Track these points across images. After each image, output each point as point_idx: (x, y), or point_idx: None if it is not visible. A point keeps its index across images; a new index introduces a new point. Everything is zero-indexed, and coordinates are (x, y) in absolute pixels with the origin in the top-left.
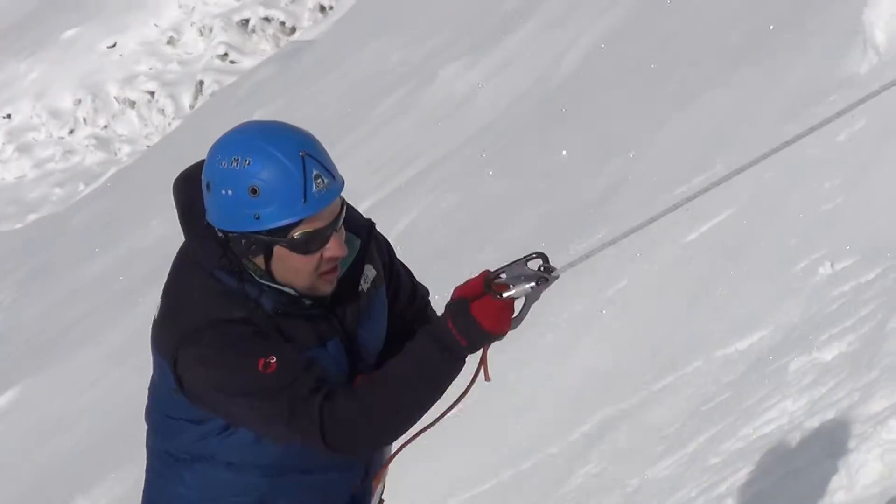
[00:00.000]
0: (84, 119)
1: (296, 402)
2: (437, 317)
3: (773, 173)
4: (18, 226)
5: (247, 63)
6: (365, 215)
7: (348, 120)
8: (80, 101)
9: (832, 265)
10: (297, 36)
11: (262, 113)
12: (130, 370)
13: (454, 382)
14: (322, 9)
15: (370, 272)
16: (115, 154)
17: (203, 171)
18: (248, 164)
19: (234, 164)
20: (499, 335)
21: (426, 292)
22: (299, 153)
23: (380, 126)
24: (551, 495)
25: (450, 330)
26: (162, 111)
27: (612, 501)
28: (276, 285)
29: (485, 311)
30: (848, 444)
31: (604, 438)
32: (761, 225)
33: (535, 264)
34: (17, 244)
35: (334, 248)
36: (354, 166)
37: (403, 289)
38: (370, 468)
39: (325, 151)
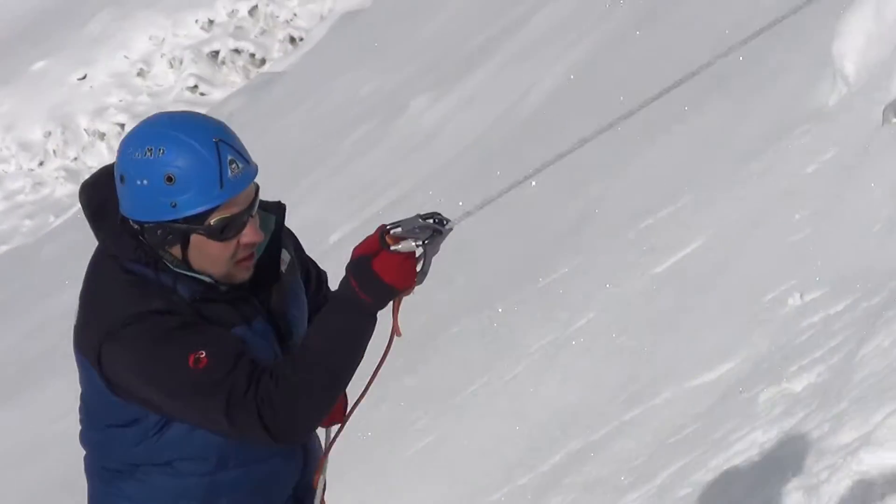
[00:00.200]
0: (54, 151)
1: (232, 397)
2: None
3: (742, 205)
4: None
5: (217, 95)
6: (333, 245)
7: (319, 151)
8: (49, 133)
9: (801, 296)
10: (267, 68)
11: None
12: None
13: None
14: (292, 40)
15: (286, 256)
16: None
17: (116, 165)
18: (163, 153)
19: (149, 153)
20: (404, 289)
21: (326, 277)
22: (213, 139)
23: (350, 157)
24: None
25: (354, 289)
26: None
27: None
28: (192, 273)
29: (385, 265)
30: (819, 475)
31: (572, 470)
32: (730, 256)
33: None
34: None
35: (250, 233)
36: (325, 197)
37: (312, 276)
38: (308, 459)
39: (237, 138)
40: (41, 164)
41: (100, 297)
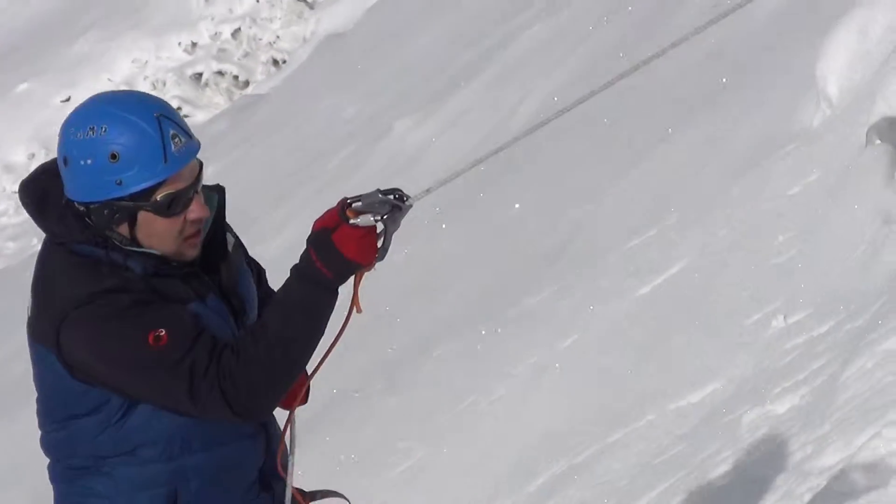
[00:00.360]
0: None
1: (194, 374)
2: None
3: (726, 226)
4: None
5: (200, 117)
6: None
7: (303, 173)
8: (33, 155)
9: (785, 318)
10: (250, 90)
11: (217, 167)
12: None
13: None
14: (276, 63)
15: (230, 238)
16: None
17: (58, 147)
18: (105, 131)
19: (91, 133)
20: (363, 264)
21: (265, 273)
22: (154, 114)
23: (334, 179)
24: None
25: (314, 263)
26: None
27: None
28: (142, 249)
29: (345, 239)
30: (802, 497)
31: (557, 492)
32: (714, 278)
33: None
34: None
35: (197, 209)
36: (310, 219)
37: (254, 270)
38: (270, 442)
39: (178, 114)
40: None
41: (51, 284)
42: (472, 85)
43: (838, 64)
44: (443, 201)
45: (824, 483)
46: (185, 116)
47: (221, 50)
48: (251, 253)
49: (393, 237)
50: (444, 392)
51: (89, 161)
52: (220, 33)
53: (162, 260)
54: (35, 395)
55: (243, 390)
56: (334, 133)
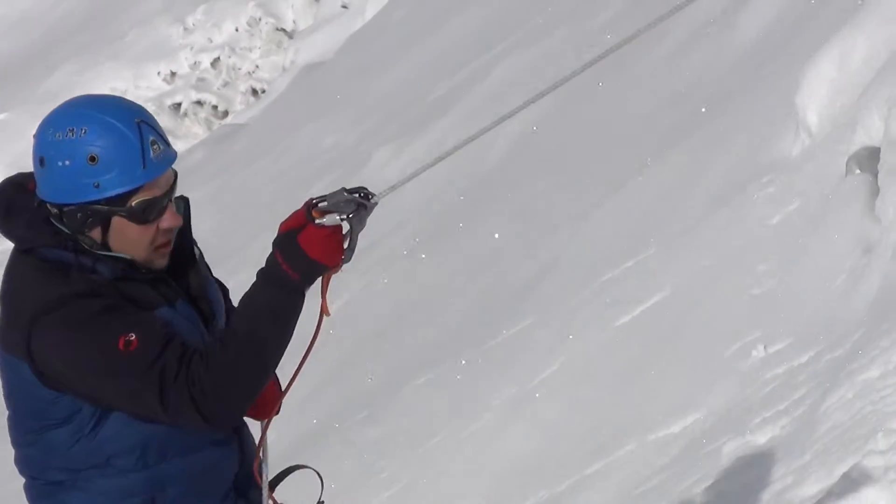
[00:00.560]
0: None
1: (164, 380)
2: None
3: (706, 257)
4: None
5: (179, 147)
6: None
7: (282, 202)
8: None
9: (765, 348)
10: (229, 119)
11: (196, 197)
12: None
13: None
14: (254, 92)
15: (196, 250)
16: None
17: (34, 148)
18: (85, 132)
19: (70, 134)
20: (329, 266)
21: (228, 290)
22: (135, 120)
23: None
24: None
25: (280, 265)
26: None
27: None
28: (112, 254)
29: (311, 240)
30: None
31: None
32: (694, 308)
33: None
34: None
35: (170, 218)
36: None
37: (218, 284)
38: (244, 449)
39: (157, 121)
40: None
41: (20, 292)
42: (451, 115)
43: (818, 93)
44: (422, 232)
45: None
46: None
47: (200, 79)
48: (232, 282)
49: (365, 241)
50: (423, 422)
51: (67, 162)
52: (200, 63)
53: (130, 264)
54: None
55: (212, 395)
56: (314, 162)
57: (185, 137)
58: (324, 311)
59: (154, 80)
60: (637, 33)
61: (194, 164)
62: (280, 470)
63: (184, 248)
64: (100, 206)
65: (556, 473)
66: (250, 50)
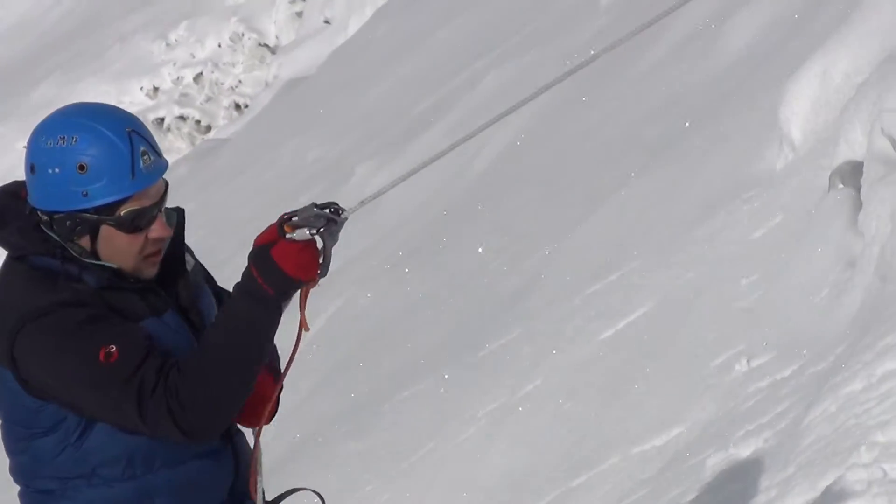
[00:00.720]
0: None
1: (142, 393)
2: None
3: (689, 270)
4: None
5: None
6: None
7: (265, 217)
8: None
9: (748, 362)
10: (212, 134)
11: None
12: None
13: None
14: (237, 107)
15: (189, 259)
16: None
17: (26, 154)
18: (76, 141)
19: (61, 142)
20: (304, 280)
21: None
22: (126, 129)
23: None
24: None
25: (255, 280)
26: None
27: None
28: (101, 262)
29: (284, 254)
30: None
31: None
32: (677, 322)
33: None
34: None
35: (159, 228)
36: None
37: (215, 291)
38: (239, 461)
39: (149, 131)
40: None
41: (7, 299)
42: (434, 129)
43: (801, 108)
44: (405, 246)
45: None
46: None
47: (183, 94)
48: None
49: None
50: (407, 436)
51: (57, 170)
52: (182, 78)
53: (117, 274)
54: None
55: (190, 409)
56: (297, 177)
57: (168, 152)
58: (303, 325)
59: (137, 96)
60: (617, 42)
61: (177, 179)
62: (281, 491)
63: (175, 257)
64: (88, 215)
65: (541, 487)
66: (233, 65)
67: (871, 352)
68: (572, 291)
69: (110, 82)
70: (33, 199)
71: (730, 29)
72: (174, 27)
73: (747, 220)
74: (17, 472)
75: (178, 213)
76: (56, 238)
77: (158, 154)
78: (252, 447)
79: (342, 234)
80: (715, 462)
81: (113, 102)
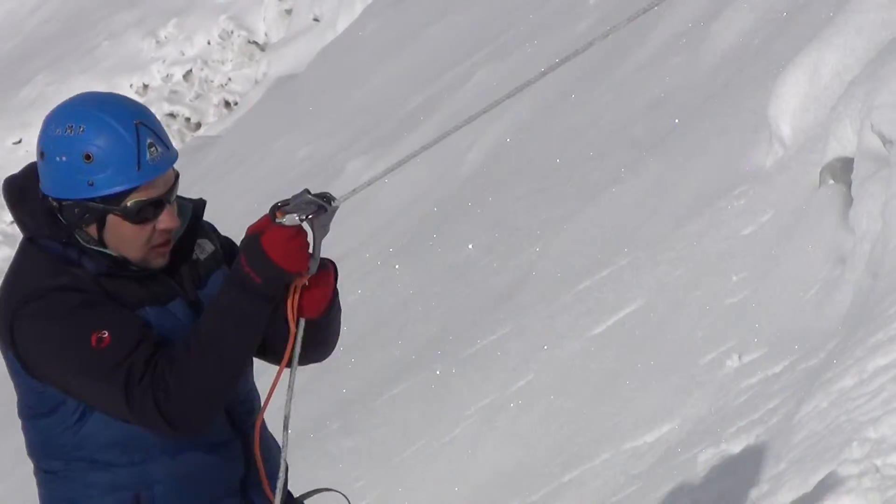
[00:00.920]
0: None
1: (129, 381)
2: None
3: (680, 267)
4: None
5: None
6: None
7: (255, 214)
8: None
9: (739, 358)
10: (202, 132)
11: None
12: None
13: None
14: (227, 105)
15: (207, 245)
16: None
17: (38, 141)
18: (83, 130)
19: (69, 131)
20: (290, 271)
21: None
22: (134, 121)
23: None
24: None
25: (243, 268)
26: None
27: None
28: (101, 249)
29: (273, 242)
30: None
31: None
32: (668, 318)
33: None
34: None
35: (167, 219)
36: None
37: None
38: (250, 456)
39: (160, 123)
40: None
41: (13, 279)
42: (424, 126)
43: (791, 105)
44: (396, 242)
45: None
46: None
47: (173, 92)
48: None
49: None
50: (398, 432)
51: (64, 158)
52: (172, 75)
53: (116, 261)
54: None
55: (174, 399)
56: (286, 174)
57: None
58: (290, 325)
59: (126, 93)
60: (594, 41)
61: None
62: (305, 490)
63: (184, 246)
64: (95, 204)
65: (532, 482)
66: (222, 62)
67: (861, 348)
68: (563, 288)
69: (100, 80)
70: (43, 186)
71: (719, 26)
72: (164, 25)
73: (737, 217)
74: (29, 450)
75: (195, 205)
76: (65, 224)
77: (167, 146)
78: (280, 445)
79: (333, 229)
80: (706, 458)
81: None
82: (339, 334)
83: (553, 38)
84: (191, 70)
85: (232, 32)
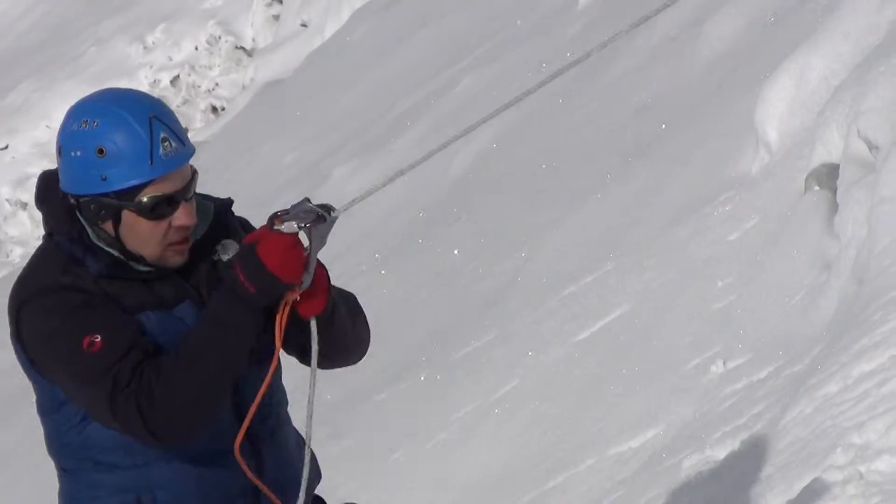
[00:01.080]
0: None
1: (115, 387)
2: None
3: (665, 272)
4: None
5: None
6: None
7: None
8: None
9: (724, 363)
10: (189, 137)
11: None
12: (23, 471)
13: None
14: (214, 110)
15: (232, 247)
16: (7, 256)
17: (57, 136)
18: (97, 125)
19: (84, 125)
20: (284, 281)
21: None
22: (148, 115)
23: None
24: None
25: (238, 276)
26: None
27: None
28: (108, 248)
29: (269, 250)
30: None
31: None
32: (653, 324)
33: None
34: None
35: (183, 216)
36: None
37: None
38: (262, 464)
39: (176, 119)
40: None
41: (25, 271)
42: (412, 132)
43: (777, 110)
44: (382, 248)
45: None
46: None
47: (160, 97)
48: None
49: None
50: (384, 437)
51: (78, 153)
52: (159, 81)
53: (120, 264)
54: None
55: (159, 407)
56: (274, 180)
57: None
58: (277, 341)
59: None
60: (588, 54)
61: None
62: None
63: (204, 246)
64: (110, 199)
65: (517, 488)
66: (210, 68)
67: (846, 354)
68: (549, 293)
69: (87, 86)
70: (62, 182)
71: (706, 32)
72: (151, 30)
73: (723, 223)
74: (46, 445)
75: (217, 205)
76: (83, 222)
77: (182, 141)
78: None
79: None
80: (691, 463)
81: None
82: (361, 339)
83: (541, 43)
84: (178, 75)
85: (219, 38)
